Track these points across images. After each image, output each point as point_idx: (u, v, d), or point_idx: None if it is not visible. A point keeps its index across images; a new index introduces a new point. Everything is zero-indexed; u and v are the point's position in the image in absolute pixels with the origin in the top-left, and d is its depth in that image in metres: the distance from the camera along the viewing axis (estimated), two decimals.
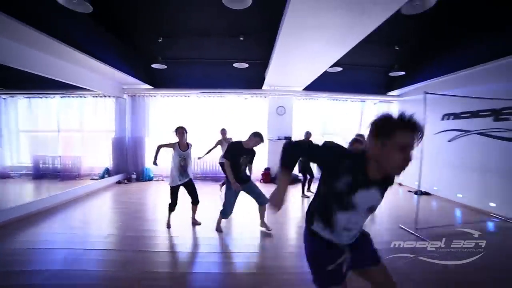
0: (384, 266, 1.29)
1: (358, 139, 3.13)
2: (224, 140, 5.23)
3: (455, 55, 4.54)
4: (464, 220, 3.97)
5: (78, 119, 6.22)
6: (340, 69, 5.16)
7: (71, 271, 2.31)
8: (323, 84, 6.07)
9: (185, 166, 3.34)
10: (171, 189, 3.36)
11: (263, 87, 6.47)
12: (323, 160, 1.15)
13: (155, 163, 3.42)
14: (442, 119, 5.16)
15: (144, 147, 6.87)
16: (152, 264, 2.50)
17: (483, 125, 4.34)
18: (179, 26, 4.36)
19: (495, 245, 2.81)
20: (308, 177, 5.20)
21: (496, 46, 3.75)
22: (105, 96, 6.23)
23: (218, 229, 3.27)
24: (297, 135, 5.74)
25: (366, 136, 1.08)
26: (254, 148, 3.13)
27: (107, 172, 6.20)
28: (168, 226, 3.39)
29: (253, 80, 6.24)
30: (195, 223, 3.50)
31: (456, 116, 4.89)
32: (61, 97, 5.91)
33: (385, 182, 1.14)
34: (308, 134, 5.14)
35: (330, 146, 1.17)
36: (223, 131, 5.29)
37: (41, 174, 5.80)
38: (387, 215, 4.11)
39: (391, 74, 5.59)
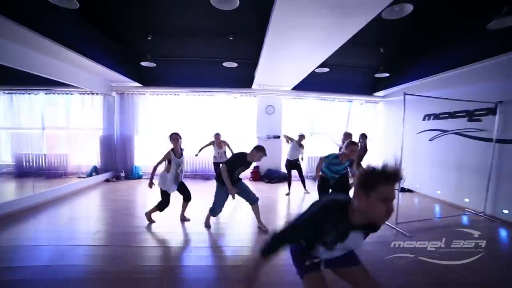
0: (364, 267, 1.39)
1: (354, 142, 3.21)
2: (217, 144, 5.35)
3: (433, 59, 4.79)
4: (442, 215, 4.19)
5: (64, 116, 6.07)
6: (327, 69, 5.31)
7: (58, 266, 2.31)
8: (311, 84, 6.23)
9: (181, 172, 3.37)
10: (163, 192, 3.29)
11: (253, 86, 6.54)
12: (306, 237, 1.30)
13: (150, 185, 3.27)
14: (424, 119, 5.41)
15: (133, 145, 6.82)
16: (141, 258, 2.54)
17: (459, 125, 4.59)
18: (168, 24, 4.37)
19: None
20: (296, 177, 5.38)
21: (471, 52, 3.98)
22: (92, 94, 6.11)
23: (207, 224, 3.34)
24: (287, 132, 5.86)
25: (353, 135, 1.17)
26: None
27: (95, 170, 6.11)
28: (151, 220, 3.38)
29: (242, 79, 6.30)
30: (184, 219, 3.54)
31: (436, 116, 5.14)
32: (46, 93, 5.71)
33: (368, 228, 1.22)
34: (301, 138, 5.28)
35: (311, 219, 1.18)
36: (217, 136, 5.37)
37: (24, 172, 5.60)
38: None
39: (377, 75, 5.80)
